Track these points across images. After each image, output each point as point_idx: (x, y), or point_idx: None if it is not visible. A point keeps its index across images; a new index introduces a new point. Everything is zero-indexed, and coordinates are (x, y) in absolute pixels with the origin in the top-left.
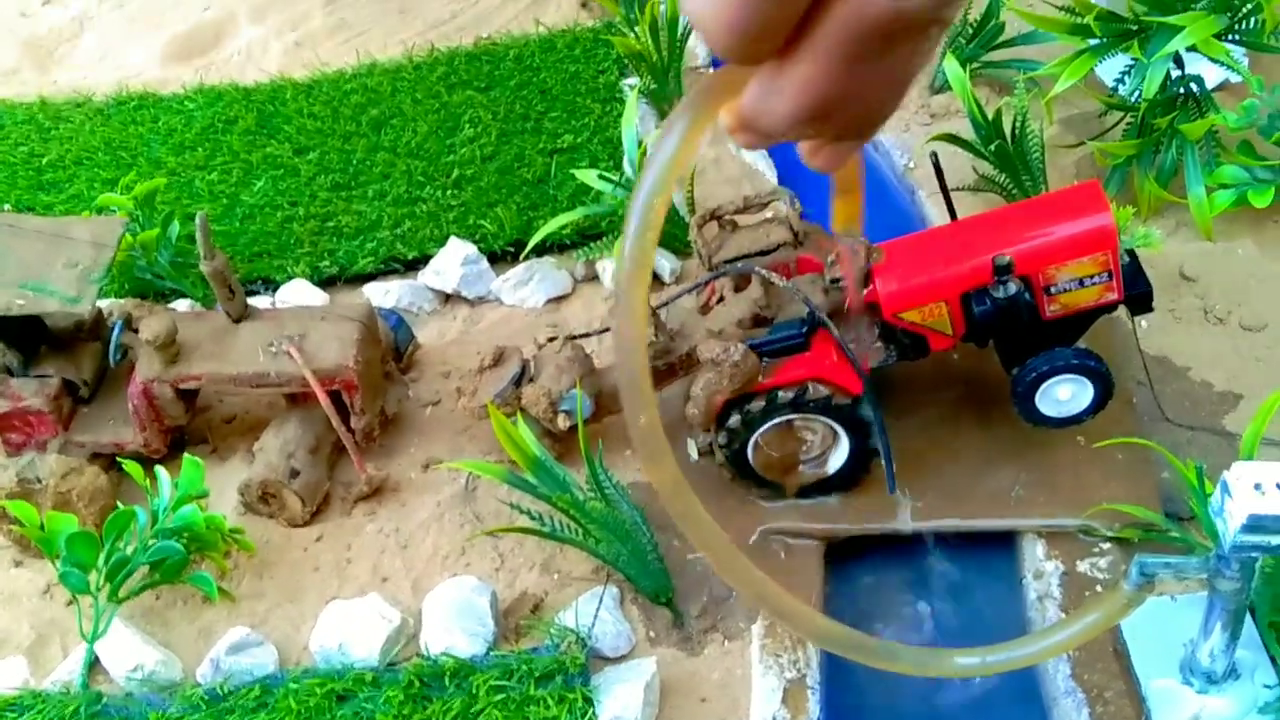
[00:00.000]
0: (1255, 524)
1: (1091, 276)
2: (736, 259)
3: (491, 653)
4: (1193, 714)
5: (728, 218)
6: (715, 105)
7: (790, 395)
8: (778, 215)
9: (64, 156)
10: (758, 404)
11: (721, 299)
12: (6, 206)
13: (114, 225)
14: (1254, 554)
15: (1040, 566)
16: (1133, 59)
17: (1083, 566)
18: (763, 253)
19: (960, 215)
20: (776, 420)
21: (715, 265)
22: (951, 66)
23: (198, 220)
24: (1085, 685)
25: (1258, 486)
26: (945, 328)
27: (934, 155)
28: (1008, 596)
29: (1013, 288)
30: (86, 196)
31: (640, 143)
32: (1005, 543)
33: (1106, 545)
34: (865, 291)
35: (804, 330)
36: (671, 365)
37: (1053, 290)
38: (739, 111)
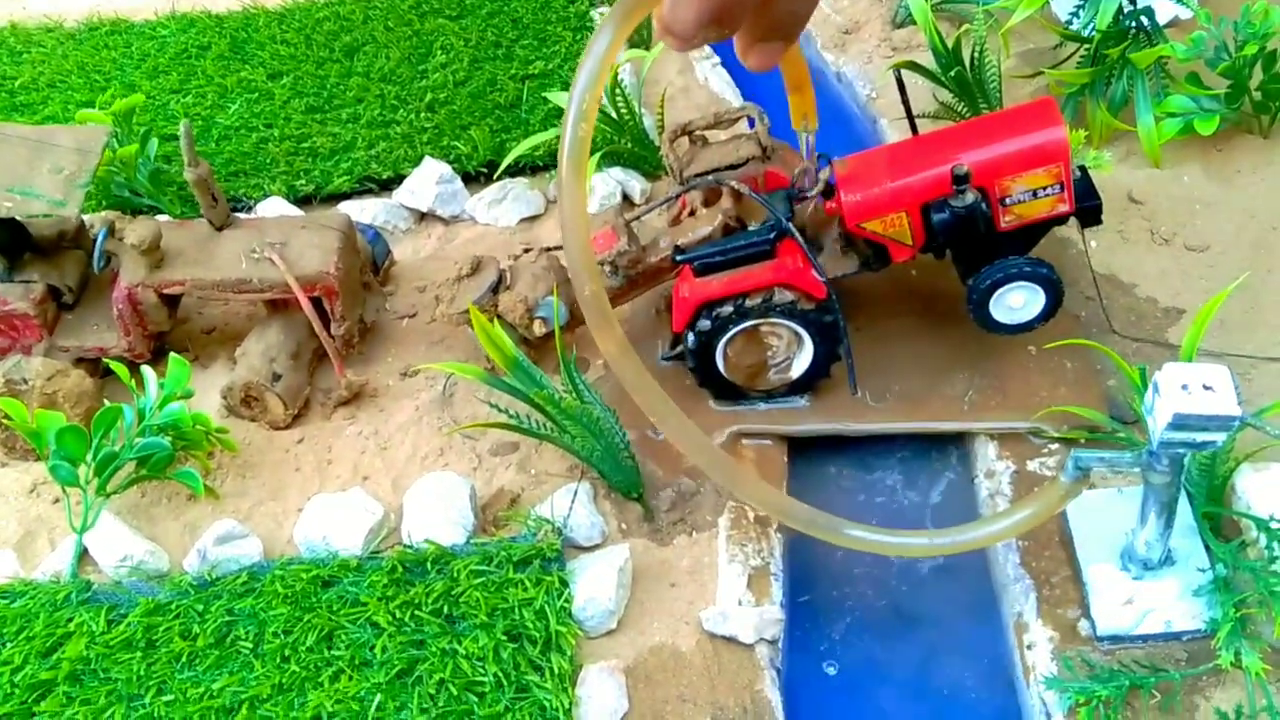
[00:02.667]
0: (1180, 422)
1: (1045, 188)
2: (707, 173)
3: (471, 541)
4: (1128, 597)
5: (699, 133)
6: (638, 13)
7: (758, 300)
8: (746, 132)
9: (37, 79)
10: (726, 308)
11: (693, 212)
12: None
13: (98, 133)
14: (1181, 450)
15: (992, 466)
16: None
17: (1032, 465)
18: (732, 167)
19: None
20: (744, 324)
21: (686, 179)
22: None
23: (182, 128)
24: (1033, 572)
25: (1185, 387)
26: (905, 238)
27: (897, 72)
28: (961, 493)
29: (970, 197)
30: (61, 118)
31: (614, 70)
32: (959, 443)
33: (1055, 446)
34: (829, 203)
35: (771, 238)
36: (643, 274)
37: (1008, 201)
38: (659, 18)
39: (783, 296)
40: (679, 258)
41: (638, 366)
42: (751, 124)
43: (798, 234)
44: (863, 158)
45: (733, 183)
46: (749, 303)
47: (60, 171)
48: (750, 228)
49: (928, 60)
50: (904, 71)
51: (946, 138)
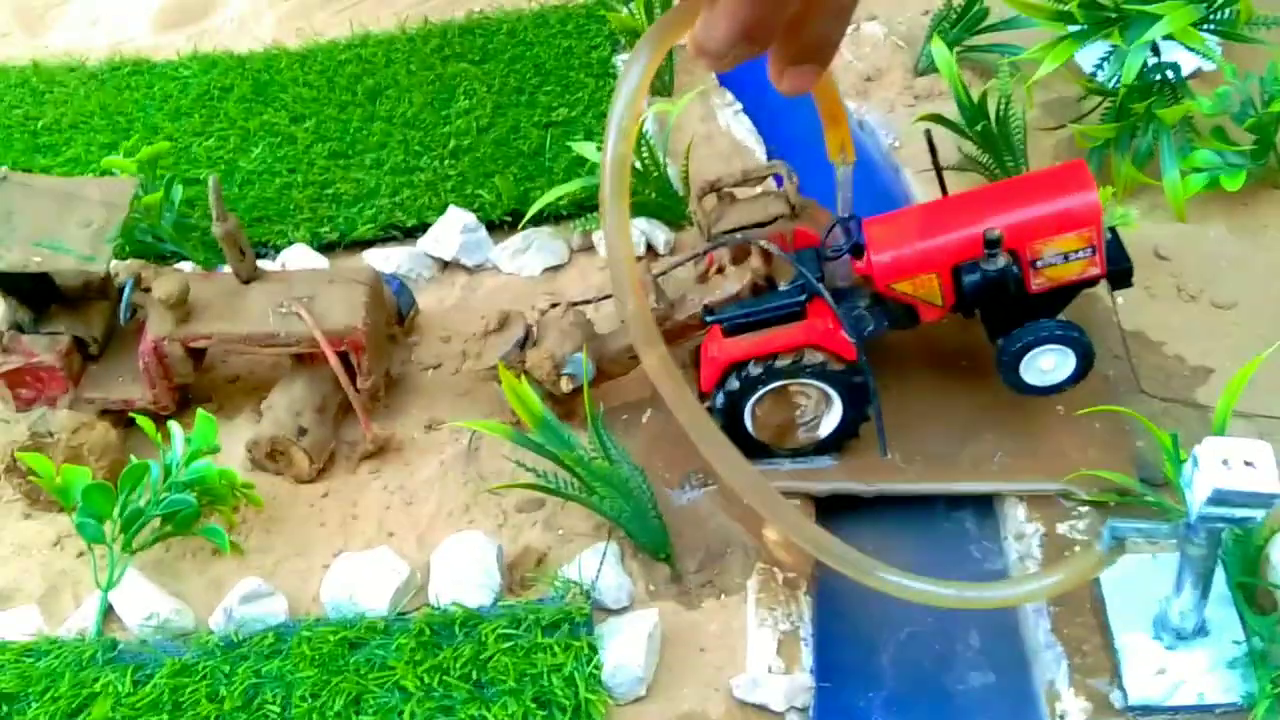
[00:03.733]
0: (1219, 497)
1: (1076, 251)
2: (735, 230)
3: (499, 603)
4: (1160, 667)
5: (726, 190)
6: (673, 36)
7: (787, 361)
8: (775, 189)
9: (59, 120)
10: (755, 369)
11: (720, 269)
12: (3, 169)
13: (125, 186)
14: (1219, 524)
15: (1021, 528)
16: (1112, 45)
17: (1062, 528)
18: (760, 224)
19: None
20: (773, 385)
21: (714, 236)
22: (939, 49)
23: (210, 183)
24: (1064, 639)
25: (1225, 462)
26: (935, 298)
27: (928, 133)
28: (990, 557)
29: (1001, 261)
30: (84, 160)
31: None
32: (987, 505)
33: (1085, 509)
34: (858, 263)
35: (802, 300)
36: (671, 331)
37: (1039, 264)
38: (692, 39)
39: (813, 357)
40: (709, 318)
41: (680, 384)
42: (780, 181)
43: (827, 295)
44: (892, 218)
45: (761, 242)
46: (779, 363)
47: (89, 225)
48: (780, 287)
49: (950, 109)
50: (929, 123)
51: (977, 199)
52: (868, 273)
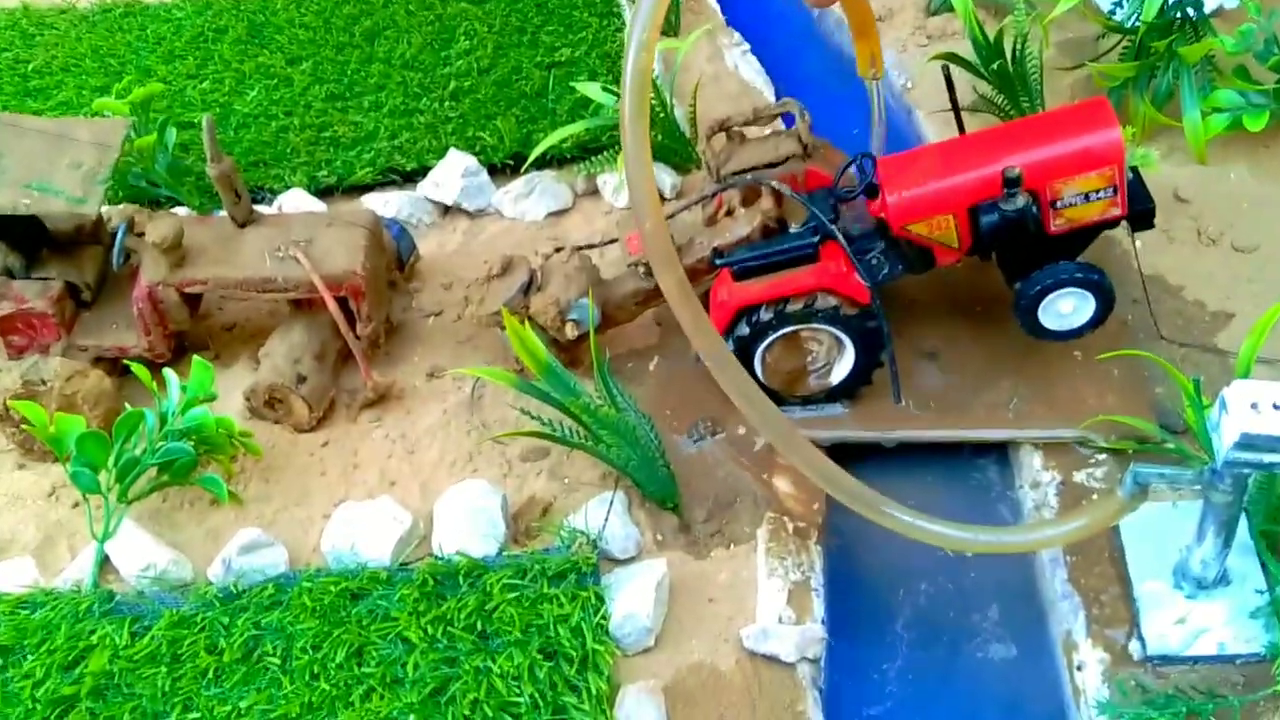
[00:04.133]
0: (1248, 442)
1: (1097, 191)
2: (745, 171)
3: (504, 553)
4: (1179, 617)
5: (736, 130)
6: None
7: (799, 305)
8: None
9: (50, 63)
10: (766, 314)
11: (730, 211)
12: None
13: (117, 126)
14: (1246, 470)
15: (1037, 476)
16: None
17: (1079, 477)
18: (771, 165)
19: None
20: (785, 330)
21: (724, 177)
22: None
23: (204, 122)
24: (1082, 589)
25: (1254, 405)
26: (952, 240)
27: (945, 69)
28: (1005, 503)
29: (1021, 201)
30: (76, 103)
31: None
32: (1000, 452)
33: (1102, 456)
34: (872, 204)
35: (815, 242)
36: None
37: (1059, 204)
38: None
39: (825, 302)
40: (718, 261)
41: (697, 308)
42: (791, 120)
43: (841, 237)
44: (907, 157)
45: (773, 182)
46: (790, 308)
47: (79, 167)
48: (791, 229)
49: (964, 49)
50: (944, 62)
51: (995, 137)
52: (882, 214)
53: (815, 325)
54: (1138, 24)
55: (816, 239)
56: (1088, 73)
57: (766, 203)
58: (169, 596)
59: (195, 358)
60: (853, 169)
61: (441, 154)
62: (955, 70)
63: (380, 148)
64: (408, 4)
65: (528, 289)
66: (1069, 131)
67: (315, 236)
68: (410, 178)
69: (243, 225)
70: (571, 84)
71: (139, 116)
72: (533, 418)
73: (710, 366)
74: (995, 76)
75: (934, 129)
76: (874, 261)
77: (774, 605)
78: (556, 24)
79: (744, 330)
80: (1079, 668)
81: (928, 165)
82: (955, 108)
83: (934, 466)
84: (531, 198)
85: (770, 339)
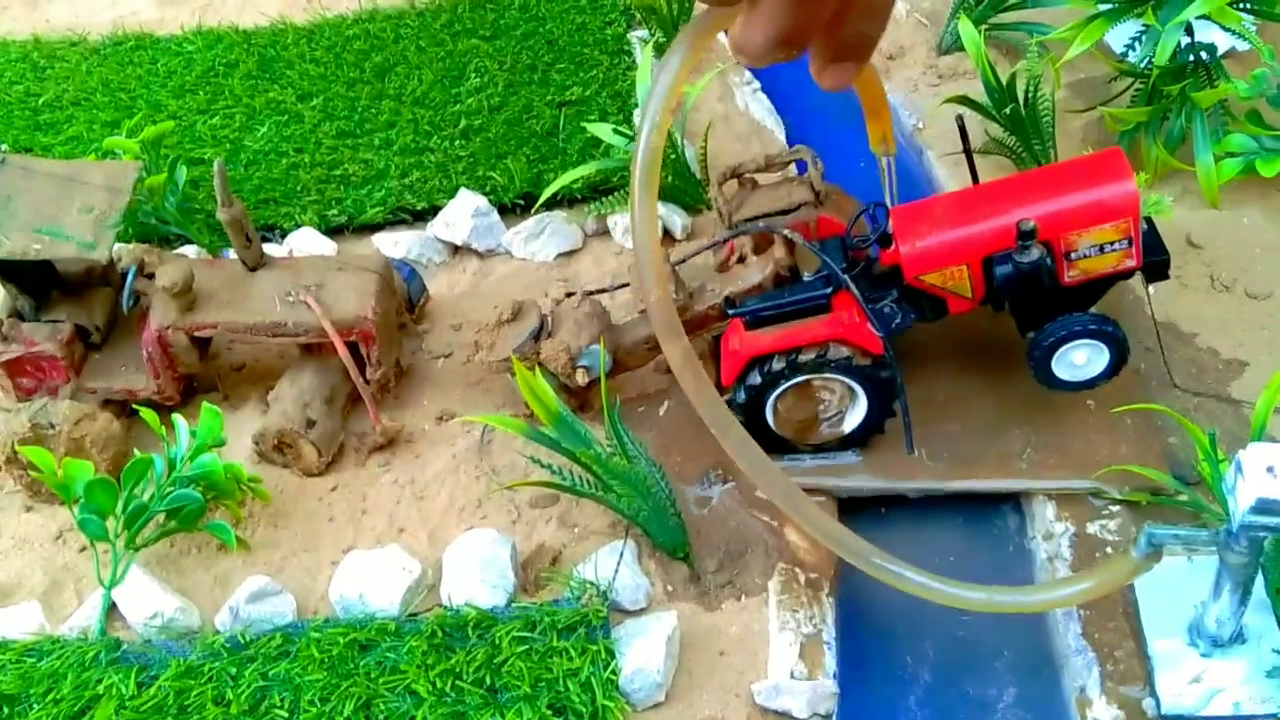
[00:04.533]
0: (1264, 506)
1: (1112, 243)
2: (757, 218)
3: (513, 604)
4: (1194, 676)
5: (748, 175)
6: (711, 34)
7: (811, 355)
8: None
9: (61, 97)
10: (779, 363)
11: (742, 258)
12: (4, 146)
13: (128, 170)
14: (1262, 533)
15: (1050, 528)
16: (1144, 25)
17: (1092, 528)
18: (783, 212)
19: (967, 179)
20: (797, 379)
21: (735, 223)
22: (966, 29)
23: (216, 167)
24: (1095, 644)
25: (1270, 469)
26: (965, 290)
27: (960, 118)
28: (1016, 556)
29: (1035, 253)
30: (86, 138)
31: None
32: (1013, 503)
33: (1116, 508)
34: (885, 253)
35: (828, 293)
36: (690, 322)
37: (1073, 256)
38: (732, 39)
39: (838, 352)
40: (731, 311)
41: (702, 377)
42: (803, 168)
43: (854, 287)
44: (921, 206)
45: (785, 231)
46: (802, 358)
47: (90, 211)
48: (805, 277)
49: (976, 89)
50: (956, 105)
51: (1009, 187)
52: (895, 263)
53: (827, 375)
54: (1150, 67)
55: (830, 289)
56: (1099, 115)
57: (779, 251)
58: (176, 645)
59: (204, 404)
60: (865, 218)
61: (452, 193)
62: (966, 112)
63: (391, 186)
64: (418, 40)
65: (538, 335)
66: (1084, 183)
67: (326, 281)
68: (420, 216)
69: (253, 269)
70: (583, 124)
71: (149, 154)
72: (543, 465)
73: (716, 434)
74: (1008, 120)
75: (945, 171)
76: (886, 310)
77: (786, 660)
78: (567, 62)
79: (756, 379)
80: None
81: (941, 215)
82: (969, 156)
83: (946, 516)
84: (542, 238)
85: (782, 388)
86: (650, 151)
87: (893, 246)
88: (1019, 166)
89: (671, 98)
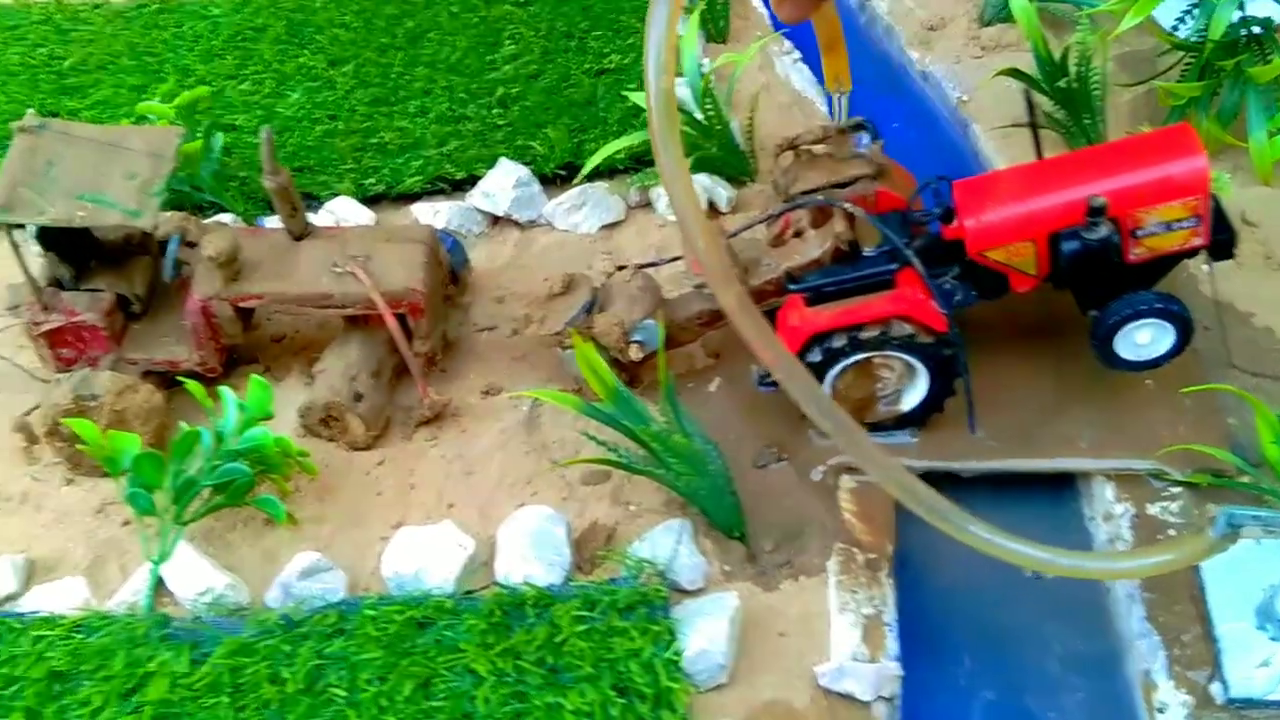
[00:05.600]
0: None
1: (1180, 220)
2: (814, 190)
3: (570, 582)
4: (1263, 660)
5: (804, 147)
6: None
7: (874, 332)
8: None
9: (86, 60)
10: (840, 340)
11: (799, 232)
12: (31, 110)
13: (170, 135)
14: None
15: (1110, 509)
16: None
17: (1153, 510)
18: (841, 185)
19: (1017, 151)
20: (858, 357)
21: (792, 196)
22: (1018, 1)
23: (263, 135)
24: (1161, 627)
25: None
26: (1029, 267)
27: (1027, 92)
28: (1074, 537)
29: (1104, 230)
30: (114, 102)
31: (700, 66)
32: (1069, 483)
33: (1177, 489)
34: (948, 228)
35: (894, 269)
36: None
37: (1139, 233)
38: None
39: (901, 329)
40: (792, 287)
41: (761, 321)
42: (863, 140)
43: (919, 263)
44: (985, 181)
45: (846, 204)
46: (864, 335)
47: (133, 178)
48: (865, 252)
49: (1021, 61)
50: (1004, 78)
51: (1075, 162)
52: (958, 238)
53: (889, 352)
54: (1203, 41)
55: (894, 265)
56: (1146, 89)
57: (839, 225)
58: (227, 622)
59: (253, 377)
60: (927, 192)
61: (491, 163)
62: (1010, 84)
63: (429, 155)
64: (451, 5)
65: (591, 308)
66: (1153, 158)
67: (373, 252)
68: (459, 186)
69: (298, 238)
70: (622, 92)
71: (184, 120)
72: (597, 442)
73: (779, 378)
74: (1059, 94)
75: (992, 145)
76: (947, 287)
77: (848, 641)
78: (604, 29)
79: (816, 357)
80: (1160, 709)
81: (1007, 190)
82: (1034, 131)
83: (1002, 496)
84: (584, 210)
85: (842, 365)
86: (663, 96)
87: (955, 221)
88: (1068, 141)
89: (671, 34)
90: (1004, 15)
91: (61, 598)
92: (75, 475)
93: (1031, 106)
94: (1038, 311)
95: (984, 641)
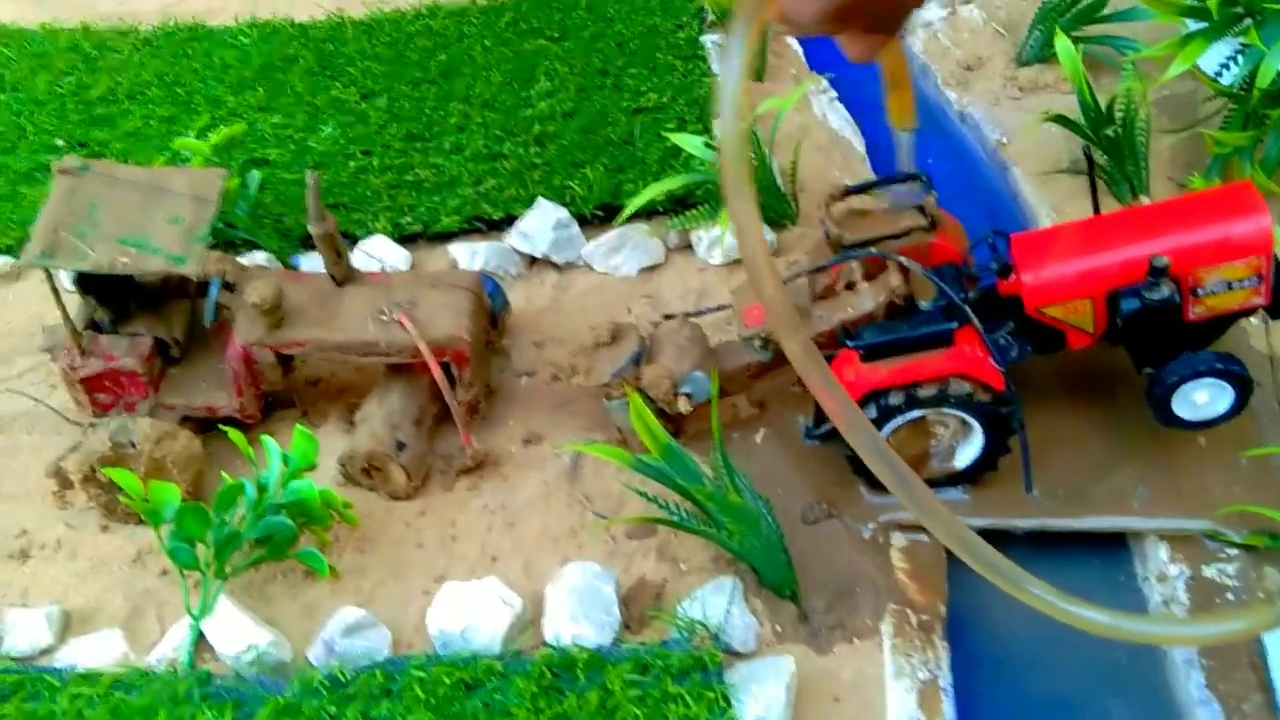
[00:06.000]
0: None
1: (1241, 280)
2: (867, 243)
3: (620, 643)
4: None
5: (857, 198)
6: (765, 10)
7: (932, 390)
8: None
9: (115, 90)
10: (897, 398)
11: (850, 284)
12: (60, 142)
13: (213, 178)
14: None
15: (1164, 570)
16: (1241, 45)
17: (1209, 572)
18: (894, 237)
19: (1058, 197)
20: (915, 414)
21: (846, 247)
22: (1063, 45)
23: (310, 181)
24: (1221, 695)
25: None
26: (1087, 325)
27: (1086, 149)
28: (1127, 599)
29: (1165, 290)
30: (144, 134)
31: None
32: (1120, 541)
33: (1233, 551)
34: (1004, 283)
35: (953, 327)
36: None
37: (1200, 292)
38: (780, 12)
39: (959, 387)
40: (850, 343)
41: (827, 371)
42: (916, 192)
43: (977, 321)
44: (1043, 236)
45: (902, 259)
46: (922, 392)
47: (177, 222)
48: (921, 305)
49: (1060, 104)
50: (1047, 123)
51: (1136, 219)
52: (1015, 294)
53: (946, 410)
54: (1250, 89)
55: (954, 324)
56: (1187, 136)
57: (895, 279)
58: (269, 681)
59: (298, 427)
60: (982, 246)
61: (528, 202)
62: (1050, 128)
63: (465, 194)
64: (484, 39)
65: (638, 359)
66: (1215, 217)
67: (418, 299)
68: (495, 226)
69: (341, 284)
70: (660, 132)
71: (220, 158)
72: (644, 496)
73: (842, 428)
74: (1104, 141)
75: (1031, 189)
76: (1002, 343)
77: (904, 708)
78: (640, 66)
79: (872, 413)
80: None
81: (1066, 246)
82: (1093, 186)
83: (1053, 555)
84: (623, 252)
85: (898, 423)
86: (736, 138)
87: (1013, 276)
88: (1110, 187)
89: (746, 77)
90: (1042, 56)
91: (99, 651)
92: (110, 521)
93: (1091, 160)
94: (1088, 366)
95: (1036, 708)
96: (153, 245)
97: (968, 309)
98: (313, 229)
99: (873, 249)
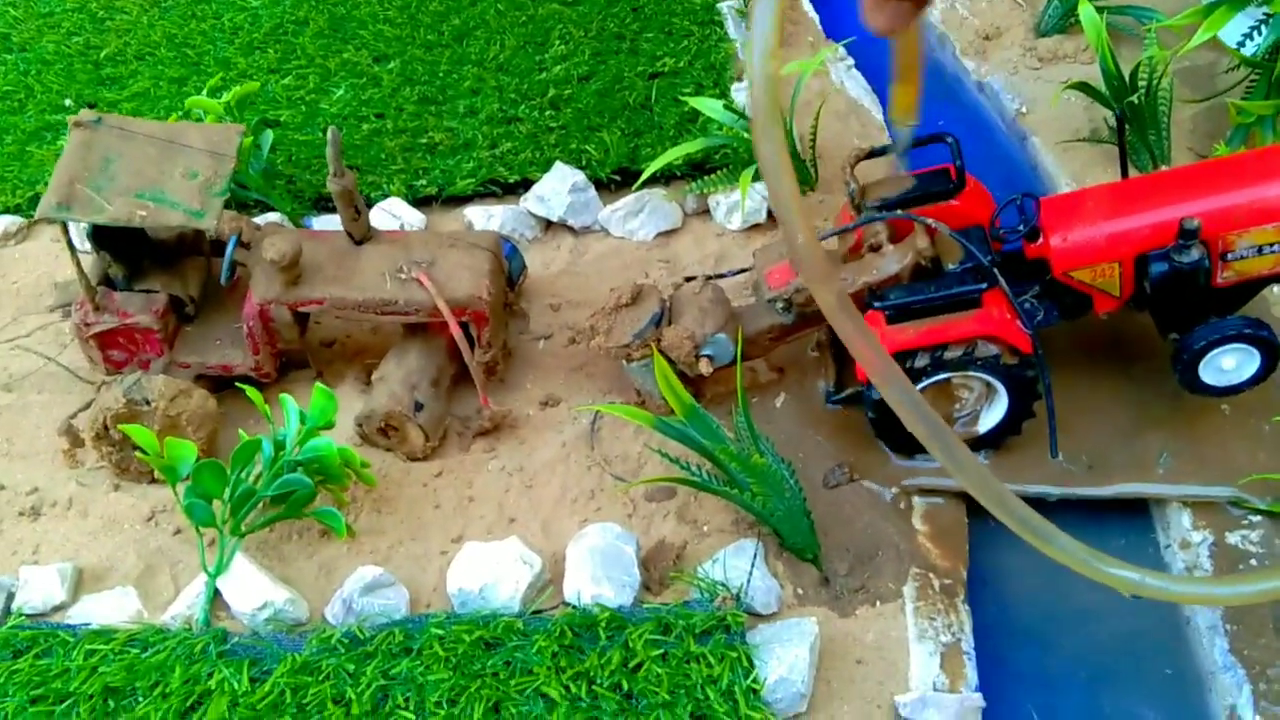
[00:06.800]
0: None
1: (1272, 244)
2: (893, 205)
3: (641, 604)
4: None
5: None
6: None
7: (958, 352)
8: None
9: (124, 50)
10: (923, 359)
11: (875, 246)
12: (68, 101)
13: (230, 133)
14: None
15: (1187, 536)
16: (1265, 14)
17: (1233, 539)
18: (919, 200)
19: (1078, 165)
20: (940, 376)
21: (867, 209)
22: (1088, 13)
23: (330, 135)
24: (1246, 660)
25: None
26: (1114, 288)
27: (1119, 114)
28: (1149, 565)
29: (1195, 253)
30: (153, 94)
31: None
32: (1143, 508)
33: (1256, 518)
34: (1032, 246)
35: (982, 288)
36: (815, 314)
37: (1229, 256)
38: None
39: (986, 349)
40: (876, 304)
41: (861, 321)
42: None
43: (1005, 284)
44: (1072, 199)
45: (929, 220)
46: (948, 355)
47: (194, 176)
48: (947, 268)
49: (1080, 73)
50: (1069, 91)
51: (1166, 182)
52: (1042, 257)
53: (972, 373)
54: (1271, 58)
55: (983, 285)
56: (1208, 105)
57: (922, 241)
58: (287, 639)
59: (317, 385)
60: (1011, 208)
61: (544, 166)
62: (1071, 96)
63: (480, 157)
64: (497, 3)
65: (659, 321)
66: (1246, 180)
67: (437, 258)
68: (511, 189)
69: (360, 242)
70: (677, 96)
71: (233, 116)
72: (667, 458)
73: (876, 381)
74: (1127, 109)
75: (1052, 159)
76: (1029, 307)
77: (927, 671)
78: (655, 31)
79: None
80: None
81: (1094, 209)
82: (1122, 152)
83: (1075, 519)
84: (640, 216)
85: (923, 385)
86: (766, 82)
87: (1041, 239)
88: (1131, 157)
89: (778, 18)
90: (1061, 26)
91: (112, 608)
92: (123, 480)
93: (1123, 125)
94: (1110, 332)
95: (1057, 672)
96: (170, 199)
97: (995, 271)
98: (331, 184)
99: (897, 211)
